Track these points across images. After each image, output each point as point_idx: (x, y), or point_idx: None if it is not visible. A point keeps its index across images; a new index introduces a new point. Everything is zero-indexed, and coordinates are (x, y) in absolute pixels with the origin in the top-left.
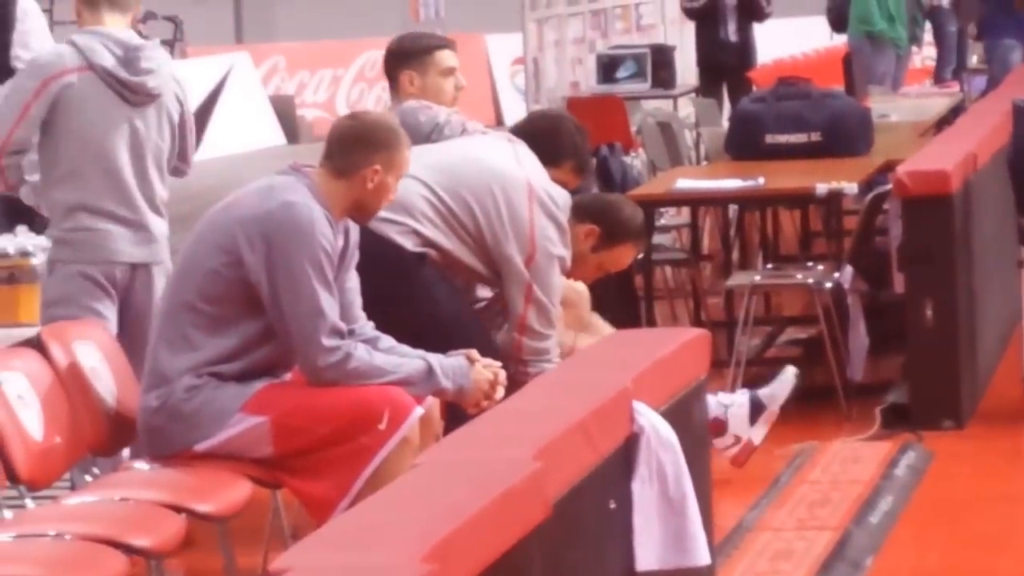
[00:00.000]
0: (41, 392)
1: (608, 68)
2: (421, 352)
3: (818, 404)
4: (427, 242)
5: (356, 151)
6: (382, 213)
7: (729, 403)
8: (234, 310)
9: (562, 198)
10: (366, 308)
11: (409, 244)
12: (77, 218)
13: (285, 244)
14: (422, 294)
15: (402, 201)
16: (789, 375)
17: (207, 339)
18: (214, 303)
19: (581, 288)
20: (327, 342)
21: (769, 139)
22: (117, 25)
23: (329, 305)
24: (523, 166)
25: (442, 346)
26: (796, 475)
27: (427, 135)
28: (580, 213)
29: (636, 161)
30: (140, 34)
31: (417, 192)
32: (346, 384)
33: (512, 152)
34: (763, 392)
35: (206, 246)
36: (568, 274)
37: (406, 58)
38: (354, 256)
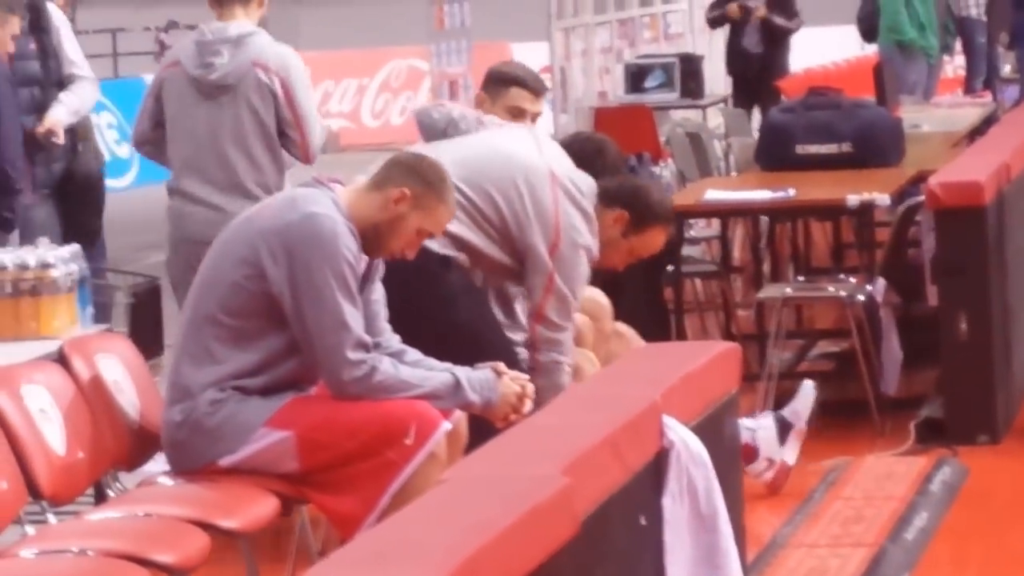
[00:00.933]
0: (63, 406)
1: (636, 77)
2: (447, 365)
3: (851, 419)
4: (453, 239)
5: (396, 170)
6: None
7: (755, 427)
8: (257, 323)
9: (587, 185)
10: (391, 316)
11: (435, 244)
12: (172, 200)
13: (307, 256)
14: (447, 302)
15: None
16: (808, 389)
17: (230, 353)
18: (237, 316)
19: (604, 301)
20: (352, 356)
21: (800, 149)
22: (230, 17)
23: (353, 318)
24: (545, 155)
25: (467, 356)
26: (829, 491)
27: (442, 131)
28: (608, 198)
29: (665, 172)
30: (163, 44)
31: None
32: (372, 398)
33: (533, 141)
34: (786, 411)
35: (228, 258)
36: (599, 261)
37: (486, 80)
38: (379, 269)
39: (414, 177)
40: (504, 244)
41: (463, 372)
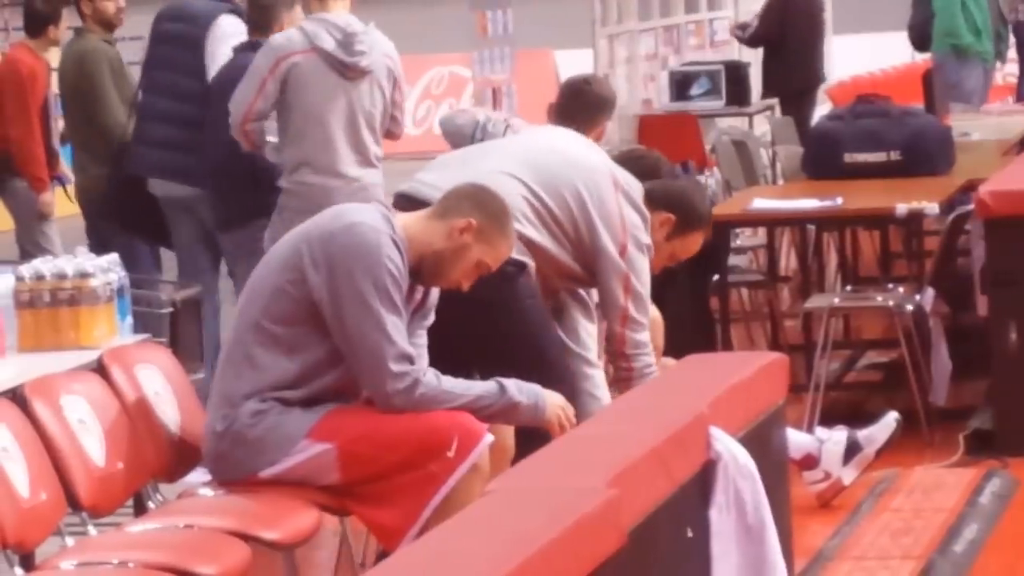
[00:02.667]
0: (103, 417)
1: (681, 85)
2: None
3: (900, 430)
4: (527, 241)
5: (462, 200)
6: None
7: (826, 438)
8: (300, 331)
9: (637, 188)
10: (452, 319)
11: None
12: (301, 173)
13: (349, 266)
14: (513, 309)
15: None
16: (890, 420)
17: (272, 360)
18: (280, 323)
19: (655, 314)
20: (396, 368)
21: (847, 158)
22: (339, 12)
23: (396, 329)
24: (602, 158)
25: (523, 366)
26: (878, 503)
27: (471, 136)
28: (654, 202)
29: (711, 180)
30: None
31: (517, 191)
32: (417, 411)
33: (587, 144)
34: (862, 434)
35: (274, 264)
36: None
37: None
38: (428, 316)
39: (480, 209)
40: (573, 250)
41: (506, 380)
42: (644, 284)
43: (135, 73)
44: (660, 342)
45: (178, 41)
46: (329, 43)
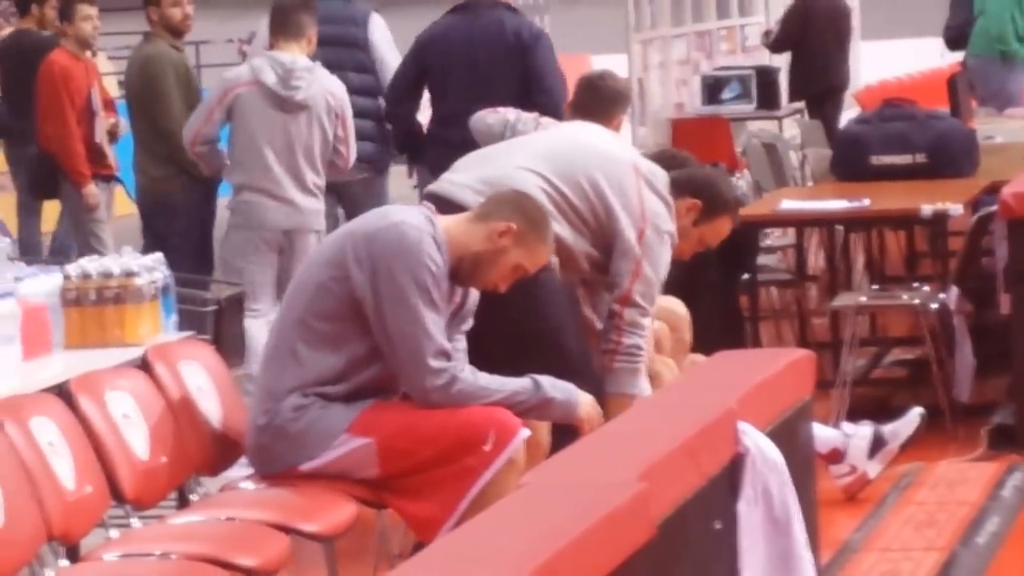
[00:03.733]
0: (147, 412)
1: (713, 89)
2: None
3: (924, 425)
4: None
5: (503, 205)
6: None
7: (852, 433)
8: (342, 327)
9: (662, 176)
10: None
11: None
12: (242, 194)
13: (390, 262)
14: (538, 307)
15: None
16: (914, 415)
17: (314, 354)
18: (323, 319)
19: (682, 311)
20: (434, 364)
21: (874, 160)
22: (289, 51)
23: (435, 326)
24: (625, 149)
25: (547, 363)
26: (902, 496)
27: (500, 134)
28: (680, 188)
29: (741, 182)
30: (245, 55)
31: (535, 184)
32: (454, 406)
33: (611, 135)
34: (887, 428)
35: (319, 261)
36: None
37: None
38: (467, 319)
39: (520, 214)
40: (592, 238)
41: (541, 376)
42: (657, 271)
43: (204, 76)
44: (687, 336)
45: (342, 42)
46: (270, 77)
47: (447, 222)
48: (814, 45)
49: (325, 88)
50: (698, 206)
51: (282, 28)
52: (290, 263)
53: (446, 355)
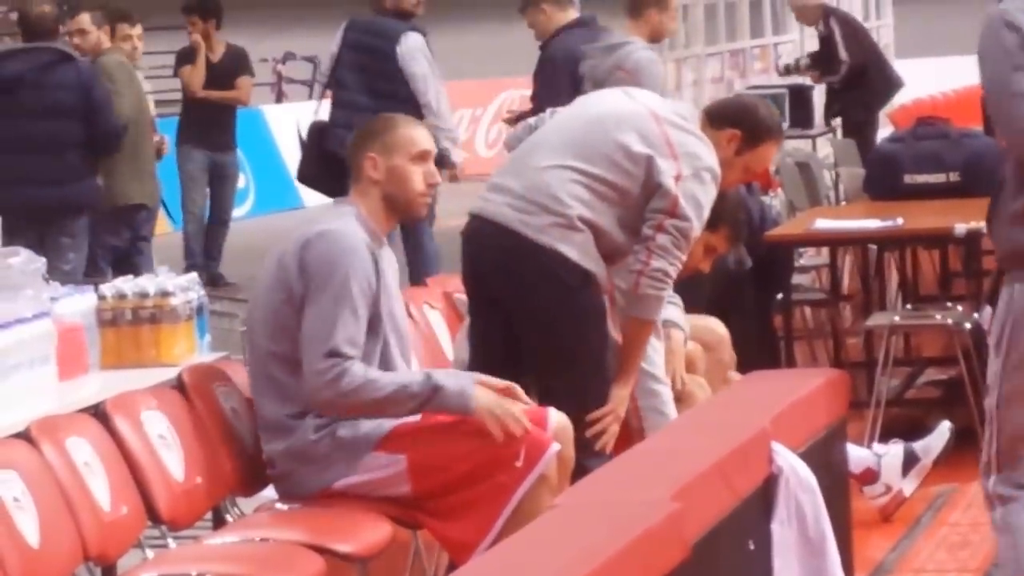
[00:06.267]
0: (182, 432)
1: None
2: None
3: (958, 446)
4: (589, 223)
5: (354, 154)
6: (536, 216)
7: (883, 452)
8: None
9: (688, 112)
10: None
11: (574, 252)
12: None
13: (317, 270)
14: (581, 322)
15: (549, 192)
16: (944, 429)
17: (294, 379)
18: (288, 342)
19: (722, 331)
20: (322, 364)
21: (908, 179)
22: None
23: (343, 330)
24: (637, 100)
25: (584, 379)
26: (936, 517)
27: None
28: (718, 120)
29: (775, 201)
30: (280, 75)
31: (565, 179)
32: (344, 403)
33: (622, 93)
34: (918, 445)
35: (265, 289)
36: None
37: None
38: (389, 289)
39: (363, 141)
40: (639, 207)
41: (436, 370)
42: (699, 210)
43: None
44: (726, 357)
45: (372, 51)
46: None
47: (360, 207)
48: (878, 55)
49: None
50: (738, 136)
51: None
52: None
53: (338, 355)
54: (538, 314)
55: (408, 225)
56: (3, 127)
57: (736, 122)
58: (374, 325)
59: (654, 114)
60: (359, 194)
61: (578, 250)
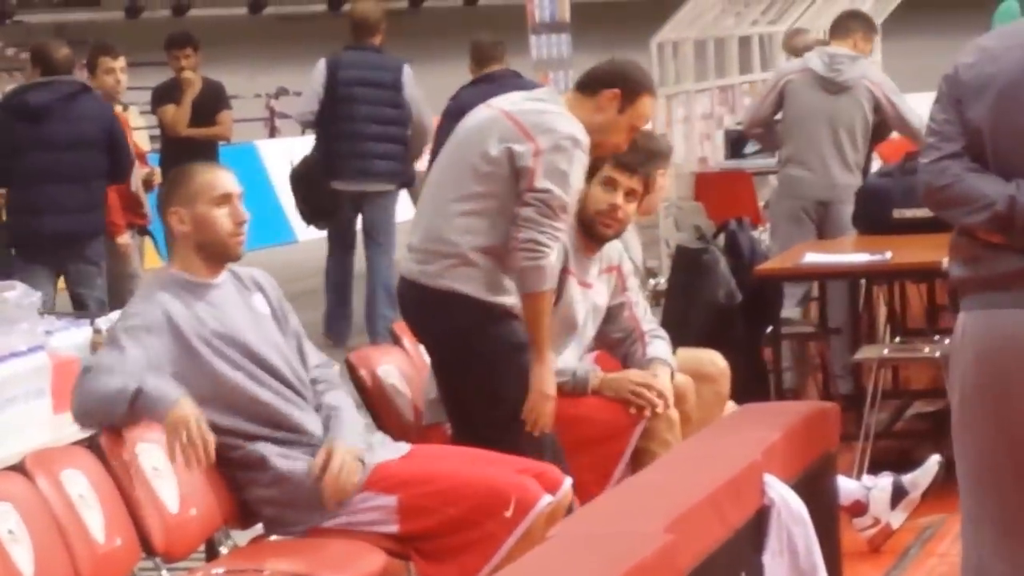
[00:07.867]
0: (177, 464)
1: (736, 144)
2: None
3: (946, 477)
4: (481, 250)
5: (161, 215)
6: (432, 264)
7: (872, 485)
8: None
9: (545, 92)
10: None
11: (509, 297)
12: (787, 167)
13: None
14: (498, 360)
15: (439, 236)
16: (932, 464)
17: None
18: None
19: (722, 364)
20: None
21: (896, 213)
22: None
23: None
24: (493, 106)
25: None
26: (924, 548)
27: None
28: (593, 85)
29: (764, 235)
30: (273, 111)
31: (462, 212)
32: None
33: (483, 106)
34: (907, 478)
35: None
36: (604, 144)
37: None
38: (235, 321)
39: (168, 197)
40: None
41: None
42: (561, 181)
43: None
44: (724, 390)
45: (378, 84)
46: (818, 64)
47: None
48: None
49: (865, 75)
50: (618, 94)
51: (834, 28)
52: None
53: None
54: (446, 363)
55: (377, 214)
56: (33, 158)
57: (612, 82)
58: (232, 357)
59: (505, 112)
60: (173, 252)
61: (481, 283)
